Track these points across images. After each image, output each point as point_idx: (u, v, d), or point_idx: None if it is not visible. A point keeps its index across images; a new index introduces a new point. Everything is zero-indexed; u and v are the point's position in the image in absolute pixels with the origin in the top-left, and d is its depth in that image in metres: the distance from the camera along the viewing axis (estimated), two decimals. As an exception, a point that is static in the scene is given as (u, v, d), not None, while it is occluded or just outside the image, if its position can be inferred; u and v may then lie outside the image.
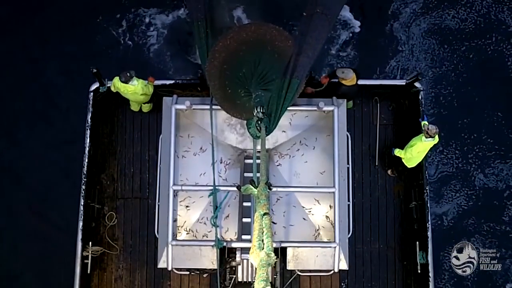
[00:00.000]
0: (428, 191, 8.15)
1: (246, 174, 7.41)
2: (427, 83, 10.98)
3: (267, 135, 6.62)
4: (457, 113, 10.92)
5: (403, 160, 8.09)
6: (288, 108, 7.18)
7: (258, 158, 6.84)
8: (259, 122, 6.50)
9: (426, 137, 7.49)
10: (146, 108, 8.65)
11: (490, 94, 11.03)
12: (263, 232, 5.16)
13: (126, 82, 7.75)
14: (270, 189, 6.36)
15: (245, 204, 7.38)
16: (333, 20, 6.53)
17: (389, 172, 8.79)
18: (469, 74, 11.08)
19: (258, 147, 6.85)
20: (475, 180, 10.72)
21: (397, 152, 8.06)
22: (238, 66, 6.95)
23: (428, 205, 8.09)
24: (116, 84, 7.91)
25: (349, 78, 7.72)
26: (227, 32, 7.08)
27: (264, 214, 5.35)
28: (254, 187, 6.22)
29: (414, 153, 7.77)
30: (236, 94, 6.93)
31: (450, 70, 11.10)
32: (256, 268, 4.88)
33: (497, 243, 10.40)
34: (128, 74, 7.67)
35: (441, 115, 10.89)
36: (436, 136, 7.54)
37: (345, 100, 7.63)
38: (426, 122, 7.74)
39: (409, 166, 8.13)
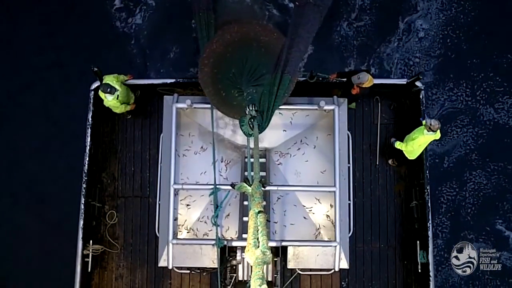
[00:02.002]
0: (428, 190, 8.14)
1: (246, 173, 7.41)
2: (438, 26, 11.11)
3: (260, 132, 6.59)
4: (466, 55, 11.05)
5: (404, 152, 8.08)
6: (289, 107, 7.18)
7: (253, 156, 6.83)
8: (252, 120, 6.47)
9: (428, 131, 7.46)
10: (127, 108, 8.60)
11: (501, 36, 11.13)
12: (258, 230, 5.13)
13: (104, 92, 7.69)
14: (264, 187, 6.32)
15: (245, 203, 7.39)
16: (324, 11, 6.34)
17: (390, 161, 8.78)
18: (479, 17, 11.14)
19: (252, 144, 6.82)
20: (482, 115, 10.90)
21: (398, 144, 8.06)
22: (228, 67, 6.96)
23: (429, 204, 8.09)
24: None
25: (366, 81, 7.66)
26: (212, 38, 7.13)
27: (259, 212, 5.32)
28: (248, 185, 6.20)
29: (416, 146, 7.75)
30: (230, 96, 6.93)
31: (459, 13, 11.18)
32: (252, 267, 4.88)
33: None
34: (108, 89, 7.61)
35: (450, 57, 11.02)
36: (438, 132, 7.53)
37: (346, 99, 7.63)
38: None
39: (409, 158, 8.13)
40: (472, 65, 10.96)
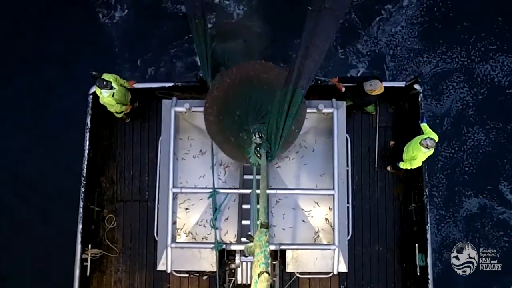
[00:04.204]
0: (427, 193, 8.15)
1: (245, 177, 7.40)
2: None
3: (269, 161, 6.16)
4: (455, 19, 11.24)
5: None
6: None
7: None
8: (258, 148, 5.99)
9: (425, 149, 7.50)
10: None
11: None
12: None
13: (100, 87, 7.69)
14: (269, 230, 5.40)
15: (244, 206, 7.38)
16: (341, 16, 5.64)
17: (388, 168, 8.79)
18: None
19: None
20: (478, 75, 11.07)
21: (403, 165, 8.10)
22: (232, 110, 6.70)
23: (428, 207, 8.09)
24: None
25: (377, 88, 7.70)
26: (212, 86, 7.00)
27: (261, 273, 4.17)
28: (251, 241, 5.24)
29: (419, 162, 7.84)
30: (240, 140, 6.62)
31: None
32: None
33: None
34: (104, 83, 7.59)
35: (437, 23, 11.21)
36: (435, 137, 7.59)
37: (344, 102, 7.63)
38: (425, 124, 7.76)
39: (414, 168, 8.15)
40: (463, 28, 11.12)
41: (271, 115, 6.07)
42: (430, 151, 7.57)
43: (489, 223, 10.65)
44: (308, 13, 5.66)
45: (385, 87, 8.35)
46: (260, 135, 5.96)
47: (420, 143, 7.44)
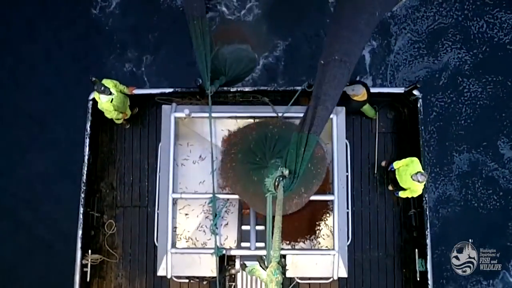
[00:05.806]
0: (427, 199, 8.16)
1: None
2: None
3: (284, 194, 5.95)
4: None
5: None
6: (286, 115, 7.20)
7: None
8: (281, 178, 5.79)
9: (418, 182, 7.56)
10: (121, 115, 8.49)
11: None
12: None
13: (98, 92, 7.70)
14: (285, 271, 5.49)
15: (244, 211, 7.40)
16: (352, 67, 5.59)
17: (389, 187, 8.78)
18: None
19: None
20: (475, 31, 11.15)
21: (402, 194, 8.15)
22: (251, 154, 6.61)
23: (427, 212, 8.09)
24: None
25: (360, 94, 7.71)
26: (225, 156, 7.02)
27: None
28: (264, 268, 5.22)
29: (419, 191, 7.85)
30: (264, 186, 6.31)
31: None
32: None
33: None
34: (102, 88, 7.59)
35: None
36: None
37: (344, 107, 7.64)
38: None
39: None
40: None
41: (290, 156, 5.95)
42: (425, 181, 7.62)
43: (480, 179, 10.81)
44: (319, 65, 5.65)
45: (384, 93, 8.43)
46: (289, 171, 5.86)
47: (412, 178, 7.52)
